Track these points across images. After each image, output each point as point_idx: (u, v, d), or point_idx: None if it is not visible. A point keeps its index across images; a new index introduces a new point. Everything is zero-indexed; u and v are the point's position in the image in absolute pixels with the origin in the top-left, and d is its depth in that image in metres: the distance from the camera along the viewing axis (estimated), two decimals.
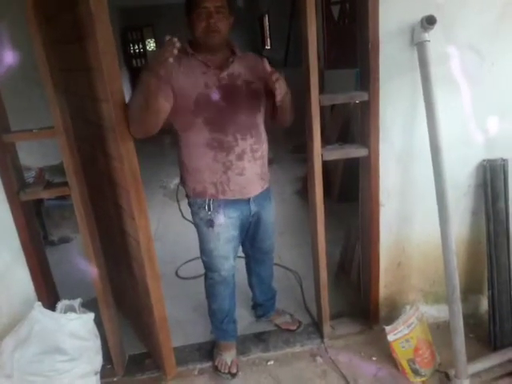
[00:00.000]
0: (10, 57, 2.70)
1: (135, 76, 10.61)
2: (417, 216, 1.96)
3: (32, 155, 3.03)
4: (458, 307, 1.73)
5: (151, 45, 11.59)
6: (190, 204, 1.81)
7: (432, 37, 1.65)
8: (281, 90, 1.52)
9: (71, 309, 1.75)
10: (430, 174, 1.73)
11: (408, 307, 1.88)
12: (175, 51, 1.32)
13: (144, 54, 11.08)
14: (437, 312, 2.09)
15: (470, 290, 2.06)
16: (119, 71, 1.48)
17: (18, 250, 1.72)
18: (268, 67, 1.55)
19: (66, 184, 1.64)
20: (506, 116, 1.85)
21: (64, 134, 1.56)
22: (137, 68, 10.92)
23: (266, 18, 10.12)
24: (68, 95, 1.63)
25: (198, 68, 1.62)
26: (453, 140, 1.81)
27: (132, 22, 10.33)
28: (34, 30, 1.42)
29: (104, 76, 1.42)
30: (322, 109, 1.76)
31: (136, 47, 10.98)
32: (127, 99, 1.55)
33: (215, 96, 1.60)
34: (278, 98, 1.53)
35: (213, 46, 1.61)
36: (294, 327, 2.16)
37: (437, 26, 1.61)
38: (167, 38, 1.33)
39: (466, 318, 1.79)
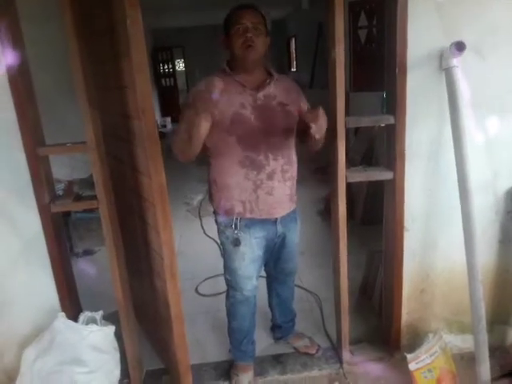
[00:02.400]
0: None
1: (164, 95, 10.90)
2: (442, 242, 1.93)
3: (62, 168, 3.13)
4: (484, 338, 1.68)
5: (180, 65, 11.91)
6: (216, 222, 1.83)
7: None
8: (319, 130, 1.52)
9: (93, 321, 1.78)
10: (457, 199, 1.71)
11: (431, 335, 1.83)
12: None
13: (173, 73, 11.37)
14: (461, 342, 2.03)
15: (496, 321, 1.99)
16: (151, 90, 1.53)
17: (45, 260, 1.76)
18: (305, 106, 1.64)
19: (94, 197, 1.69)
20: None
21: (96, 149, 1.61)
22: (166, 87, 11.22)
23: (293, 41, 10.30)
24: (100, 112, 1.69)
25: (234, 88, 1.65)
26: (480, 166, 1.78)
27: (162, 42, 10.65)
28: (74, 48, 1.49)
29: (136, 94, 1.47)
30: (347, 131, 1.76)
31: (166, 67, 11.29)
32: (157, 117, 1.60)
33: (250, 116, 1.64)
34: (317, 137, 1.55)
35: (250, 62, 1.64)
36: (312, 351, 2.13)
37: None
38: (215, 81, 1.43)
39: (491, 349, 1.73)
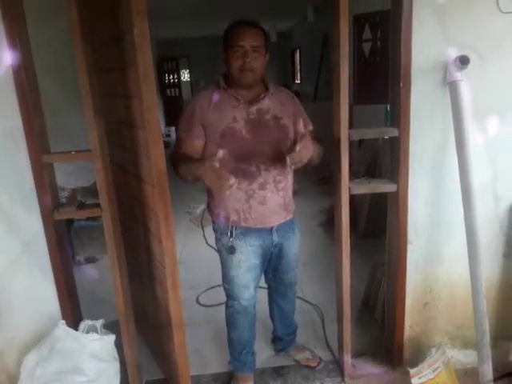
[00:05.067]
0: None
1: (169, 105, 10.97)
2: (445, 255, 1.92)
3: (66, 176, 3.14)
4: (488, 353, 1.66)
5: (185, 75, 12.00)
6: (214, 229, 1.84)
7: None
8: (300, 157, 1.51)
9: (93, 329, 1.77)
10: (461, 212, 1.70)
11: (434, 350, 1.81)
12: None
13: (178, 83, 11.45)
14: (465, 357, 2.00)
15: (500, 336, 1.96)
16: (157, 100, 1.54)
17: (47, 268, 1.76)
18: (302, 128, 1.65)
19: (98, 205, 1.69)
20: None
21: (100, 157, 1.62)
22: (171, 97, 11.29)
23: (298, 53, 10.38)
24: (106, 120, 1.70)
25: (228, 102, 1.67)
26: (484, 179, 1.78)
27: (168, 52, 10.75)
28: (81, 57, 1.51)
29: (142, 104, 1.48)
30: (351, 143, 1.77)
31: (171, 77, 11.37)
32: (162, 126, 1.61)
33: (241, 129, 1.66)
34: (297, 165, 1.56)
35: (246, 84, 1.66)
36: (314, 364, 2.11)
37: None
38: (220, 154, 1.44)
39: (495, 365, 1.71)
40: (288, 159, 1.51)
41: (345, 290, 1.90)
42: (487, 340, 1.66)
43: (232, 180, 1.39)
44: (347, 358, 1.99)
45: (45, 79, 1.83)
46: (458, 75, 1.65)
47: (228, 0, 5.86)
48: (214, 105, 1.67)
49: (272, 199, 1.74)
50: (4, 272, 1.75)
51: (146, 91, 1.47)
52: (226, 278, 1.84)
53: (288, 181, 1.80)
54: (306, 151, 1.53)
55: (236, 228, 1.75)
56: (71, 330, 1.70)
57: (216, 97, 1.67)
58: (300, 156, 1.50)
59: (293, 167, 1.72)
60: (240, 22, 1.63)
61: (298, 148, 1.49)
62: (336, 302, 2.02)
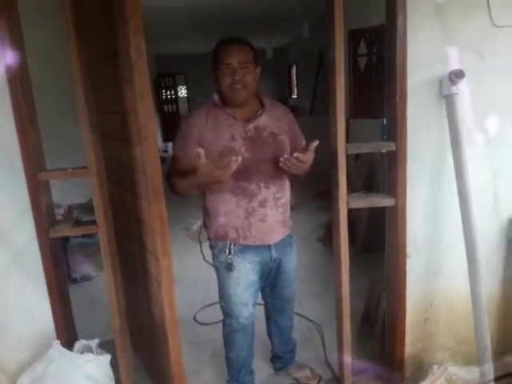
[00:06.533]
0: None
1: (166, 120, 11.02)
2: (445, 269, 1.90)
3: (62, 193, 3.12)
4: (490, 369, 1.63)
5: (182, 91, 12.08)
6: (210, 247, 1.82)
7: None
8: (294, 171, 1.61)
9: (88, 349, 1.73)
10: (460, 225, 1.69)
11: (435, 367, 1.79)
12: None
13: (175, 99, 11.52)
14: (467, 373, 1.96)
15: (502, 351, 1.93)
16: (154, 117, 1.54)
17: (42, 286, 1.73)
18: (303, 143, 1.74)
19: (94, 222, 1.67)
20: None
21: (96, 174, 1.61)
22: (168, 113, 11.35)
23: (294, 69, 10.49)
24: (102, 136, 1.69)
25: (225, 121, 1.66)
26: (483, 192, 1.77)
27: (165, 69, 10.84)
28: (77, 74, 1.51)
29: (139, 120, 1.48)
30: (347, 157, 1.77)
31: (168, 93, 11.44)
32: (159, 142, 1.61)
33: (240, 148, 1.65)
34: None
35: (239, 101, 1.65)
36: (314, 382, 2.07)
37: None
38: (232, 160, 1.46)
39: (498, 380, 1.68)
40: (282, 159, 1.54)
41: (344, 306, 1.87)
42: (489, 355, 1.63)
43: (233, 158, 1.42)
44: (347, 377, 1.96)
45: (40, 95, 1.83)
46: (454, 89, 1.66)
47: (224, 17, 5.94)
48: (210, 124, 1.66)
49: (272, 216, 1.73)
50: None
51: (142, 109, 1.47)
52: (224, 295, 1.81)
53: (287, 197, 1.79)
54: (304, 165, 1.57)
55: (234, 245, 1.73)
56: (66, 351, 1.67)
57: (212, 116, 1.67)
58: (297, 165, 1.55)
59: (287, 181, 1.77)
60: (226, 40, 1.64)
61: (301, 157, 1.53)
62: (336, 319, 2.00)
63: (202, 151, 1.45)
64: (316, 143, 1.57)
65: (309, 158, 1.58)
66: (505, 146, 1.79)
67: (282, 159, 1.54)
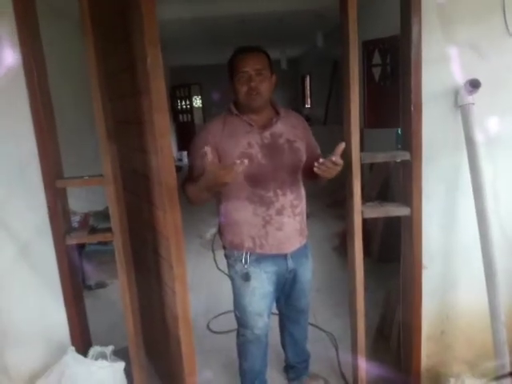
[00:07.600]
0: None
1: (181, 130, 11.15)
2: (462, 281, 1.87)
3: (78, 200, 3.17)
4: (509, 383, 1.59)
5: (197, 101, 12.21)
6: (226, 256, 1.81)
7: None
8: (328, 175, 1.56)
9: (103, 356, 1.74)
10: (477, 236, 1.66)
11: (452, 380, 1.74)
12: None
13: (191, 109, 11.65)
14: None
15: None
16: (169, 127, 1.56)
17: (57, 293, 1.75)
18: (318, 152, 1.76)
19: (109, 230, 1.69)
20: None
21: (112, 182, 1.63)
22: (183, 122, 11.48)
23: (308, 79, 10.53)
24: (118, 146, 1.72)
25: (241, 128, 1.68)
26: (500, 201, 1.74)
27: (180, 80, 10.99)
28: (95, 84, 1.54)
29: (155, 130, 1.50)
30: (362, 166, 1.76)
31: (183, 103, 11.58)
32: (174, 151, 1.63)
33: (257, 155, 1.65)
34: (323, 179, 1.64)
35: (255, 107, 1.66)
36: None
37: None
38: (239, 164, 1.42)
39: None
40: (317, 164, 1.49)
41: (359, 319, 1.85)
42: (507, 369, 1.59)
43: (238, 162, 1.39)
44: None
45: (59, 104, 1.86)
46: (470, 99, 1.64)
47: (238, 29, 6.00)
48: (227, 131, 1.67)
49: (289, 224, 1.72)
50: (15, 297, 1.75)
51: (158, 119, 1.49)
52: (239, 305, 1.80)
53: (303, 205, 1.78)
54: (338, 168, 1.54)
55: (251, 255, 1.72)
56: (80, 357, 1.68)
57: (228, 123, 1.68)
58: (332, 168, 1.51)
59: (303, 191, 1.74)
60: (242, 49, 1.66)
61: (339, 161, 1.50)
62: (350, 331, 1.97)
63: (208, 149, 1.42)
64: (343, 145, 1.53)
65: (341, 160, 1.55)
66: None
67: (316, 164, 1.50)
